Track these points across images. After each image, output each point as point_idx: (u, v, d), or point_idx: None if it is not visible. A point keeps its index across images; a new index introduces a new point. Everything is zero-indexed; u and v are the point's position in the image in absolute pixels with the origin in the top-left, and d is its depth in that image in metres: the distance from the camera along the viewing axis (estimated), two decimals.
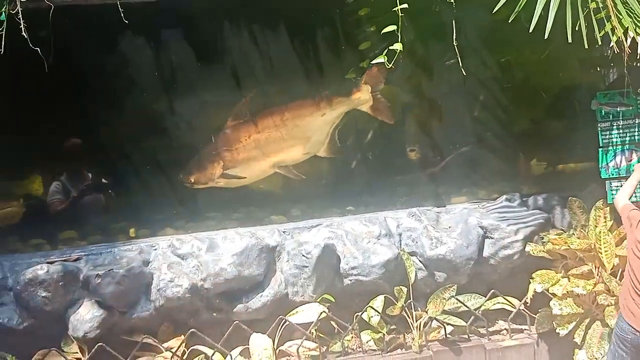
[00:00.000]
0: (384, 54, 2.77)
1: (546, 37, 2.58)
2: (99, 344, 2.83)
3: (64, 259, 3.02)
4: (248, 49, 3.92)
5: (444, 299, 3.14)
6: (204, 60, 3.94)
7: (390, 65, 2.77)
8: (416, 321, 3.11)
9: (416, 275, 3.21)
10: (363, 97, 3.76)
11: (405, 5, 2.72)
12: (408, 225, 3.34)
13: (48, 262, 2.95)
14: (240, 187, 3.99)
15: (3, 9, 2.57)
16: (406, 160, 4.27)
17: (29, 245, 3.64)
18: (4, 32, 2.59)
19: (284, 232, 3.28)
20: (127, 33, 3.78)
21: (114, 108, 3.89)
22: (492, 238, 3.24)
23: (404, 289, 3.16)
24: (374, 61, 2.88)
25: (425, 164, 4.30)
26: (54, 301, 2.89)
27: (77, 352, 2.90)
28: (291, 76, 3.90)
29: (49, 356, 2.86)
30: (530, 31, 2.59)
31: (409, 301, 3.13)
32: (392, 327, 3.12)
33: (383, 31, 2.82)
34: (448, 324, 3.10)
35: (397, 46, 2.74)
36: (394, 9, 2.74)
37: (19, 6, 2.55)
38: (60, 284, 2.89)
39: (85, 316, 2.89)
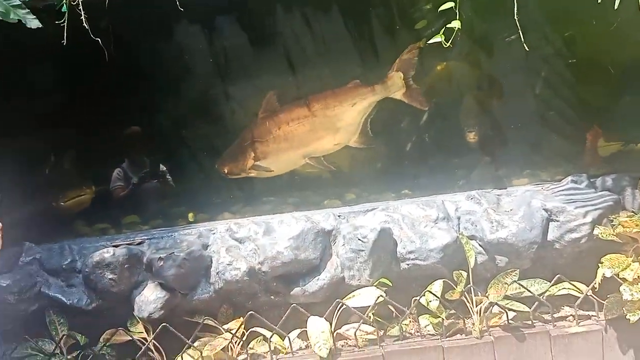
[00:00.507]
0: (441, 32, 2.68)
1: (616, 7, 2.42)
2: (163, 324, 2.92)
3: (128, 242, 3.14)
4: (301, 31, 3.90)
5: (506, 284, 3.05)
6: (258, 45, 3.96)
7: (448, 44, 2.68)
8: (476, 306, 3.03)
9: (476, 259, 3.13)
10: (395, 85, 3.68)
11: None
12: (467, 209, 3.25)
13: (114, 246, 3.07)
14: (295, 172, 4.01)
15: (64, 1, 2.67)
16: (464, 142, 4.14)
17: (95, 230, 3.81)
18: (65, 23, 2.69)
19: (339, 216, 3.27)
20: (182, 20, 3.84)
21: (172, 95, 3.98)
22: (557, 221, 3.10)
23: (464, 274, 3.09)
24: (431, 40, 2.80)
25: (484, 145, 4.15)
26: (120, 283, 3.00)
27: (142, 332, 3.00)
28: (345, 58, 3.85)
29: (117, 335, 2.98)
30: (599, 1, 2.44)
31: (468, 286, 3.06)
32: (451, 312, 3.06)
33: (440, 8, 2.73)
34: (510, 309, 3.01)
35: (455, 24, 2.65)
36: None
37: None
38: (126, 266, 3.00)
39: (149, 297, 2.99)
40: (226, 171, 3.96)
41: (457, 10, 2.67)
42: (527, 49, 2.80)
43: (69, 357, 2.92)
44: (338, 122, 3.79)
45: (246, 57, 3.97)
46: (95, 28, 2.71)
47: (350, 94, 3.75)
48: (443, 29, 2.67)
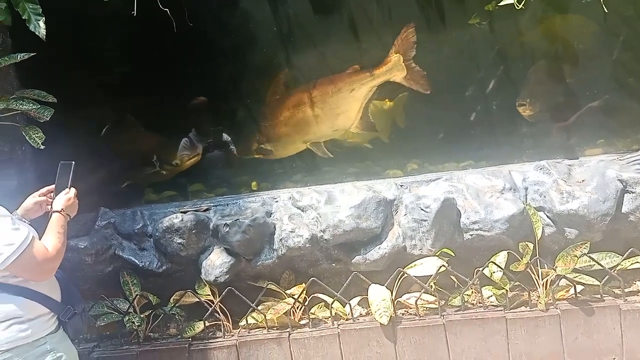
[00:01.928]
0: None
1: None
2: (229, 287, 3.02)
3: (195, 209, 3.23)
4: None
5: (575, 256, 2.94)
6: (322, 13, 3.90)
7: (521, 6, 2.56)
8: (542, 279, 2.96)
9: (543, 231, 3.04)
10: (395, 68, 3.51)
11: None
12: (535, 179, 3.14)
13: (182, 212, 3.17)
14: (356, 142, 3.98)
15: None
16: (556, 103, 3.91)
17: (162, 197, 3.95)
18: None
19: (401, 185, 3.25)
20: None
21: (236, 65, 4.01)
22: (633, 192, 2.95)
23: (530, 245, 3.01)
24: (502, 2, 2.68)
25: (556, 112, 3.95)
26: (188, 247, 3.10)
27: (209, 295, 3.11)
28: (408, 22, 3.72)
29: (185, 297, 3.10)
30: None
31: (534, 258, 2.98)
32: (515, 284, 3.00)
33: None
34: (579, 282, 2.91)
35: None
36: None
37: None
38: (193, 232, 3.10)
39: (216, 262, 3.09)
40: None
41: None
42: (606, 10, 2.63)
43: (141, 315, 3.07)
44: (337, 108, 3.72)
45: (309, 25, 3.93)
46: None
47: (349, 80, 3.66)
48: None
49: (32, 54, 2.74)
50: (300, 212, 3.20)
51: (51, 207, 2.20)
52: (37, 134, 2.77)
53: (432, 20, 3.80)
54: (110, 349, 3.06)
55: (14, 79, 3.05)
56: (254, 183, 4.03)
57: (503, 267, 2.97)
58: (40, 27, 2.64)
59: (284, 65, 3.97)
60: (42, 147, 2.74)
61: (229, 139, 4.32)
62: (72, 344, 2.20)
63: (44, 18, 2.65)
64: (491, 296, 3.04)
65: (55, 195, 2.24)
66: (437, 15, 3.80)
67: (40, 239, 2.04)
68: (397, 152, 4.07)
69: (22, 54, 2.76)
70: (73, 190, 2.25)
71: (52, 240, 2.05)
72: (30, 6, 2.65)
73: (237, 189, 3.90)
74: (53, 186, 2.28)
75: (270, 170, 4.10)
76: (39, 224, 2.21)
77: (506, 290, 2.98)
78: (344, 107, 3.73)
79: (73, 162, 2.26)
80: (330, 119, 3.80)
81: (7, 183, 2.93)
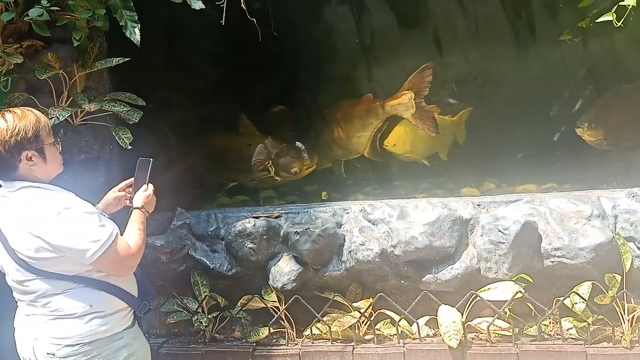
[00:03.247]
0: (612, 11, 2.40)
1: None
2: (295, 296, 3.02)
3: (267, 215, 3.26)
4: (452, 12, 3.73)
5: None
6: (405, 26, 3.87)
7: (619, 24, 2.40)
8: (628, 314, 2.75)
9: (632, 263, 2.83)
10: (403, 104, 3.50)
11: None
12: (626, 207, 2.93)
13: (254, 217, 3.21)
14: (431, 157, 3.90)
15: None
16: (626, 132, 3.71)
17: (234, 201, 4.02)
18: (225, 4, 2.84)
19: (478, 205, 3.12)
20: (332, 1, 3.87)
21: (317, 75, 4.04)
22: None
23: (617, 277, 2.81)
24: (600, 19, 2.52)
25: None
26: (258, 253, 3.13)
27: (275, 301, 3.12)
28: (499, 39, 3.62)
29: (252, 302, 3.12)
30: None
31: (621, 291, 2.78)
32: (598, 318, 2.81)
33: None
34: None
35: (630, 1, 2.35)
36: None
37: None
38: (264, 237, 3.12)
39: (284, 269, 3.09)
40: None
41: None
42: None
43: (209, 316, 3.12)
44: (349, 132, 3.79)
45: (391, 38, 3.90)
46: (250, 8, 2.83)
47: (360, 108, 3.71)
48: (615, 7, 2.39)
49: (127, 59, 2.88)
50: (371, 226, 3.15)
51: (131, 203, 2.26)
52: (125, 134, 2.90)
53: (521, 35, 3.67)
54: (178, 346, 3.12)
55: (108, 81, 3.20)
56: (324, 193, 4.04)
57: (586, 298, 2.78)
58: (135, 34, 2.76)
59: (364, 77, 3.96)
60: (129, 147, 2.86)
61: (302, 146, 4.34)
62: (145, 340, 2.24)
63: (139, 25, 2.78)
64: (571, 328, 2.86)
65: (134, 191, 2.29)
66: (527, 30, 3.66)
67: (121, 234, 2.10)
68: (474, 169, 3.95)
69: (118, 59, 2.91)
70: (151, 186, 2.30)
71: (133, 236, 2.10)
72: (128, 13, 2.79)
73: (307, 197, 3.92)
74: (131, 180, 2.33)
75: (341, 180, 4.09)
76: (118, 218, 2.29)
77: (588, 323, 2.78)
78: (356, 133, 3.81)
79: (151, 160, 2.31)
80: (344, 142, 3.90)
81: (95, 179, 3.08)
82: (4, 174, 2.00)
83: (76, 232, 1.94)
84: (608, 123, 3.72)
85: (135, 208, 2.22)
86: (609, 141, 3.75)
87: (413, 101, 3.51)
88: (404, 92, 3.53)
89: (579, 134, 3.72)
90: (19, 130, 1.95)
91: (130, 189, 2.33)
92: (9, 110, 2.00)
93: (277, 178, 3.97)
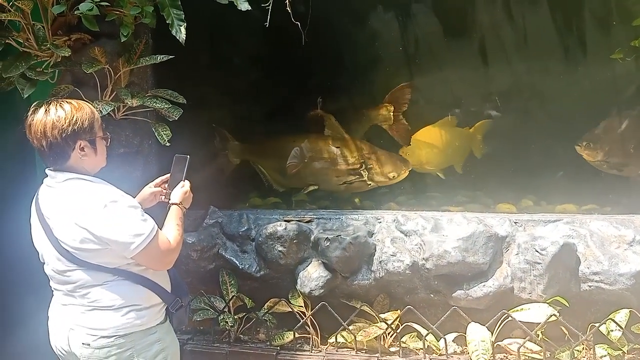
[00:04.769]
0: None
1: None
2: (322, 302, 2.99)
3: (298, 219, 3.24)
4: (500, 23, 3.66)
5: None
6: (451, 35, 3.81)
7: None
8: None
9: None
10: (382, 116, 3.82)
11: None
12: None
13: (286, 220, 3.20)
14: (467, 170, 3.83)
15: None
16: (628, 157, 3.55)
17: (266, 203, 4.02)
18: (270, 6, 2.84)
19: (515, 222, 3.04)
20: (377, 7, 3.85)
21: (357, 81, 4.02)
22: None
23: None
24: None
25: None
26: (288, 256, 3.12)
27: (302, 306, 3.10)
28: (547, 53, 3.53)
29: (279, 305, 3.11)
30: None
31: None
32: (634, 347, 2.70)
33: None
34: None
35: None
36: None
37: None
38: (294, 241, 3.11)
39: (312, 275, 3.07)
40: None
41: None
42: None
43: (235, 316, 3.12)
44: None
45: (437, 47, 3.85)
46: (294, 12, 2.83)
47: (350, 115, 3.89)
48: None
49: (171, 57, 2.91)
50: (404, 237, 3.11)
51: (168, 199, 2.29)
52: (165, 131, 2.93)
53: (570, 51, 3.57)
54: (203, 344, 3.13)
55: (151, 77, 3.24)
56: (357, 199, 4.00)
57: (623, 326, 2.68)
58: (181, 33, 2.79)
59: (404, 82, 3.92)
60: (168, 144, 2.89)
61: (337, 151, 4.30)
62: (175, 336, 2.26)
63: (185, 24, 2.80)
64: (605, 356, 2.75)
65: (171, 187, 2.32)
66: (577, 46, 3.56)
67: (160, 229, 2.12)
68: (512, 184, 3.85)
69: (162, 56, 2.94)
70: (188, 183, 2.33)
71: (172, 232, 2.13)
72: (175, 12, 2.82)
73: (340, 203, 3.88)
74: (167, 176, 2.36)
75: (375, 189, 4.04)
76: (152, 213, 2.31)
77: (623, 352, 2.68)
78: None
79: (188, 156, 2.33)
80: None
81: (132, 173, 3.12)
82: (57, 161, 2.05)
83: (121, 225, 1.97)
84: (609, 145, 3.66)
85: (173, 204, 2.25)
86: (610, 164, 3.69)
87: (391, 114, 3.81)
88: (384, 104, 3.82)
89: (578, 151, 3.71)
90: (76, 120, 2.01)
91: (166, 185, 2.35)
92: (66, 101, 2.06)
93: (369, 183, 3.90)
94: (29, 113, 2.04)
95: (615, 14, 3.40)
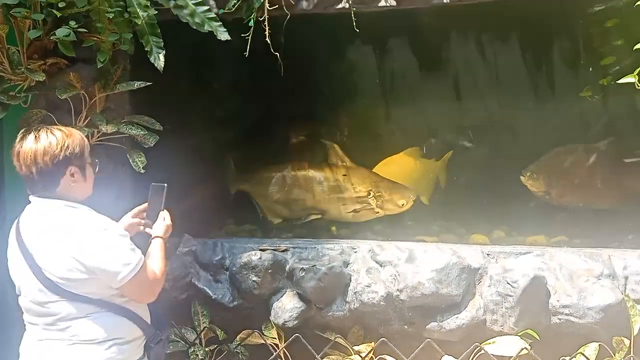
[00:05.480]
0: (635, 72, 2.41)
1: None
2: (296, 334, 2.96)
3: (274, 248, 3.21)
4: (473, 60, 3.77)
5: None
6: (426, 69, 3.90)
7: None
8: None
9: None
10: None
11: None
12: (637, 269, 2.88)
13: (261, 249, 3.17)
14: (441, 200, 3.88)
15: (252, 16, 2.85)
16: (570, 189, 3.67)
17: (242, 230, 3.98)
18: (250, 37, 2.87)
19: (488, 254, 3.08)
20: (355, 41, 3.91)
21: (334, 110, 4.06)
22: None
23: (625, 341, 2.75)
24: (621, 80, 2.53)
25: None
26: (262, 287, 3.08)
27: (275, 338, 3.06)
28: (516, 90, 3.64)
29: (252, 337, 3.06)
30: None
31: (629, 356, 2.71)
32: None
33: (636, 47, 2.46)
34: None
35: None
36: None
37: (266, 14, 2.79)
38: (269, 271, 3.08)
39: (287, 305, 3.04)
40: None
41: None
42: None
43: (206, 349, 3.06)
44: None
45: (412, 81, 3.93)
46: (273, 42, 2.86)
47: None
48: (638, 69, 2.39)
49: (148, 83, 2.90)
50: (379, 267, 3.11)
51: (148, 230, 2.27)
52: (140, 158, 2.91)
53: (540, 88, 3.68)
54: None
55: (128, 102, 3.21)
56: (333, 228, 4.00)
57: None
58: (159, 60, 2.79)
59: (379, 113, 3.98)
60: (142, 171, 2.86)
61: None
62: None
63: (164, 51, 2.81)
64: None
65: (149, 216, 2.30)
66: (547, 84, 3.68)
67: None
68: (485, 215, 3.92)
69: (139, 83, 2.93)
70: (168, 214, 2.32)
71: (157, 263, 2.12)
72: (154, 39, 2.82)
73: (316, 231, 3.88)
74: (144, 206, 2.33)
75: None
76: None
77: None
78: None
79: (165, 185, 2.31)
80: None
81: (106, 200, 3.06)
82: (46, 188, 2.03)
83: (110, 254, 1.96)
84: (551, 177, 3.77)
85: (156, 237, 2.24)
86: (552, 195, 3.80)
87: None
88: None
89: (522, 182, 3.79)
90: (68, 146, 2.02)
91: (145, 214, 2.33)
92: (55, 127, 2.08)
93: (377, 211, 3.86)
94: (17, 140, 2.03)
95: (584, 53, 3.54)
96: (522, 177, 3.82)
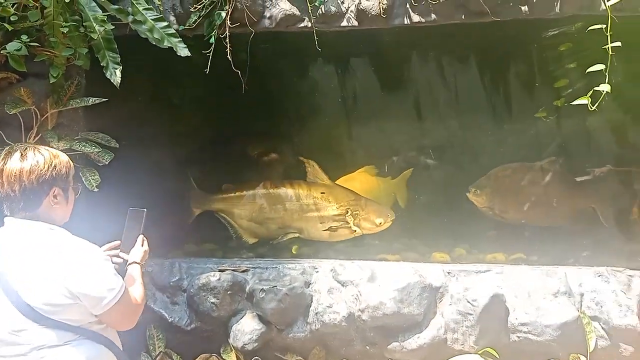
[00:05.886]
0: (587, 95, 2.49)
1: None
2: (255, 357, 2.90)
3: (233, 268, 3.15)
4: (433, 81, 3.83)
5: None
6: (388, 89, 3.94)
7: (594, 108, 2.48)
8: None
9: (596, 343, 2.82)
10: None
11: (618, 44, 2.43)
12: (593, 286, 2.94)
13: (220, 270, 3.10)
14: (409, 219, 3.90)
15: (213, 33, 2.82)
16: (512, 206, 3.78)
17: (202, 250, 3.89)
18: (211, 54, 2.83)
19: (448, 273, 3.10)
20: (318, 59, 3.92)
21: (296, 127, 4.05)
22: None
23: (582, 358, 2.80)
24: (575, 102, 2.61)
25: (620, 214, 3.75)
26: (221, 308, 3.01)
27: None
28: (475, 111, 3.72)
29: None
30: None
31: None
32: None
33: (588, 70, 2.54)
34: None
35: (605, 87, 2.45)
36: (604, 47, 2.46)
37: (227, 31, 2.77)
38: (228, 292, 3.02)
39: (246, 328, 2.98)
40: None
41: (607, 74, 2.48)
42: None
43: None
44: None
45: (373, 100, 3.96)
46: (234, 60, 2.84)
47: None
48: (591, 91, 2.47)
49: (104, 99, 2.82)
50: (340, 287, 3.08)
51: (123, 255, 2.25)
52: (93, 176, 2.82)
53: (498, 109, 3.77)
54: None
55: (82, 118, 3.11)
56: (295, 247, 3.95)
57: None
58: (116, 76, 2.73)
59: (342, 132, 3.99)
60: (96, 189, 2.77)
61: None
62: None
63: (120, 67, 2.74)
64: None
65: (126, 241, 2.26)
66: (505, 105, 3.77)
67: None
68: (446, 233, 3.95)
69: (94, 99, 2.85)
70: (145, 239, 2.30)
71: (137, 289, 2.10)
72: (111, 54, 2.76)
73: (277, 251, 3.82)
74: (116, 243, 2.29)
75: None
76: None
77: None
78: None
79: (145, 210, 2.28)
80: None
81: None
82: (26, 208, 1.96)
83: (95, 279, 1.92)
84: (494, 193, 3.87)
85: (134, 263, 2.21)
86: (494, 211, 3.89)
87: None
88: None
89: (468, 197, 3.87)
90: (55, 166, 1.99)
91: (121, 242, 2.28)
92: (43, 147, 2.04)
93: (354, 229, 3.77)
94: (0, 158, 1.97)
95: (539, 76, 3.64)
96: (467, 194, 3.88)
